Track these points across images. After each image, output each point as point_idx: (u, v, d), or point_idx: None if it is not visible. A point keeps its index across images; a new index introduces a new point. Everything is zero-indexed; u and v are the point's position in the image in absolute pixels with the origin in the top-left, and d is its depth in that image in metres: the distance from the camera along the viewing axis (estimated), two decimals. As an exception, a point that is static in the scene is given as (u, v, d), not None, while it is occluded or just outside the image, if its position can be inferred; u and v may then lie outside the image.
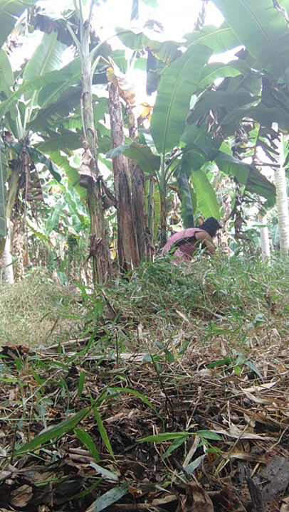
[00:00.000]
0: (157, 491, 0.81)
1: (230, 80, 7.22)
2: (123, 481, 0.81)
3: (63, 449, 0.97)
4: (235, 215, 7.77)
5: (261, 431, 1.07)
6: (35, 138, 10.67)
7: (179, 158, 8.57)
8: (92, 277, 9.70)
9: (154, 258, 7.28)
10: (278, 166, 8.44)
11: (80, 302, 4.17)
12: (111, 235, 15.84)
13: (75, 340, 2.12)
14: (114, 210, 12.30)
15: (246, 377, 1.39)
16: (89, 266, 14.71)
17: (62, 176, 11.78)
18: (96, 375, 1.56)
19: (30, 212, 11.35)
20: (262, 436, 1.04)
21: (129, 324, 2.54)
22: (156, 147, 7.91)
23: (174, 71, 6.71)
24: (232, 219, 7.88)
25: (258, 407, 1.17)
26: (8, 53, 9.04)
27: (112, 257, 11.72)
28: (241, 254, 14.28)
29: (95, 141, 7.80)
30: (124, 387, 1.40)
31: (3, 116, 8.94)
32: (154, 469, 0.93)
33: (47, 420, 1.17)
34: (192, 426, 1.08)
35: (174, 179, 9.06)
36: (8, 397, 1.36)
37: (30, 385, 1.43)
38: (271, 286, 3.02)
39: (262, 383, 1.34)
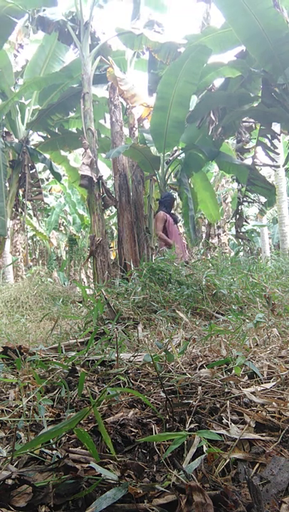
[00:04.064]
0: (157, 491, 0.81)
1: (231, 81, 7.22)
2: (123, 481, 0.81)
3: (63, 449, 0.97)
4: (237, 215, 7.77)
5: (261, 431, 1.07)
6: (36, 138, 10.67)
7: (179, 158, 8.56)
8: (92, 277, 9.70)
9: (154, 258, 7.35)
10: (278, 167, 8.44)
11: (80, 302, 4.17)
12: (114, 234, 15.82)
13: (75, 340, 2.12)
14: (114, 210, 12.30)
15: (246, 377, 1.39)
16: (89, 266, 14.72)
17: (63, 175, 11.79)
18: (96, 375, 1.56)
19: (31, 212, 11.36)
20: (262, 436, 1.04)
21: (129, 324, 2.54)
22: (156, 147, 7.92)
23: (174, 71, 6.71)
24: (234, 219, 7.89)
25: (258, 407, 1.17)
26: (16, 55, 9.07)
27: (112, 257, 11.72)
28: (241, 254, 14.29)
29: (95, 141, 7.80)
30: (124, 387, 1.40)
31: (4, 117, 8.94)
32: (154, 469, 0.93)
33: (47, 420, 1.17)
34: (192, 426, 1.08)
35: (174, 179, 9.06)
36: (8, 397, 1.36)
37: (30, 385, 1.43)
38: (271, 286, 3.02)
39: (262, 383, 1.34)
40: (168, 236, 6.28)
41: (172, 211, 6.81)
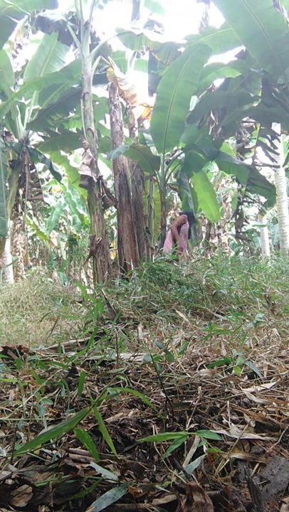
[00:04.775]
0: (157, 491, 0.81)
1: (231, 81, 7.21)
2: (123, 481, 0.81)
3: (63, 449, 0.97)
4: (237, 215, 7.77)
5: (261, 431, 1.07)
6: (36, 138, 10.67)
7: (179, 158, 8.56)
8: (92, 277, 9.70)
9: (154, 258, 7.43)
10: (278, 167, 8.43)
11: (80, 302, 4.17)
12: (114, 234, 15.82)
13: (75, 340, 2.12)
14: (114, 210, 12.30)
15: (246, 377, 1.39)
16: (89, 266, 14.71)
17: (63, 175, 11.79)
18: (96, 375, 1.56)
19: (31, 211, 11.36)
20: (262, 436, 1.04)
21: (129, 324, 2.54)
22: (156, 147, 7.92)
23: (174, 71, 6.71)
24: (234, 219, 7.89)
25: (258, 407, 1.17)
26: (15, 56, 9.07)
27: (112, 257, 11.72)
28: (241, 254, 14.30)
29: (95, 141, 7.80)
30: (124, 387, 1.40)
31: (4, 117, 8.94)
32: (154, 469, 0.93)
33: (47, 420, 1.17)
34: (192, 426, 1.08)
35: (174, 179, 9.06)
36: (8, 397, 1.36)
37: (30, 385, 1.43)
38: (271, 286, 3.03)
39: (262, 383, 1.34)
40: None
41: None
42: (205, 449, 0.95)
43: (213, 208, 9.45)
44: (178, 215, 7.85)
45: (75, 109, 9.26)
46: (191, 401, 1.20)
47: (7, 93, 8.66)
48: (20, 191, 9.52)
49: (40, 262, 17.38)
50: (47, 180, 15.69)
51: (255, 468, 0.92)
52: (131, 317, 2.68)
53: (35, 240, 17.53)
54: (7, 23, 7.33)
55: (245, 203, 7.74)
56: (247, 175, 7.17)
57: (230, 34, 6.65)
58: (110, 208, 11.16)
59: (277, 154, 7.47)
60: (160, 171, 8.17)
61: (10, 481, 0.82)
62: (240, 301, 2.87)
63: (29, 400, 1.28)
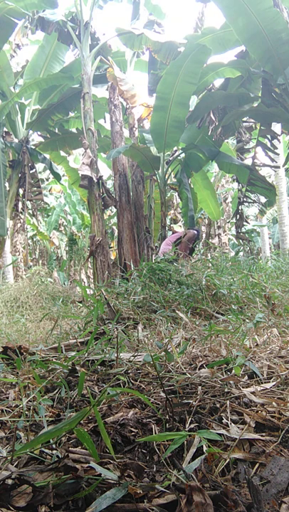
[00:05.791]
0: (157, 491, 0.81)
1: (231, 81, 7.21)
2: (123, 481, 0.81)
3: (63, 449, 0.97)
4: (237, 215, 7.76)
5: (261, 431, 1.07)
6: (36, 138, 10.67)
7: (179, 158, 8.57)
8: (92, 277, 9.70)
9: (154, 258, 7.39)
10: (278, 167, 8.43)
11: (80, 302, 4.17)
12: (114, 234, 15.82)
13: (75, 340, 2.12)
14: (114, 210, 12.30)
15: (246, 377, 1.39)
16: (89, 266, 14.72)
17: (63, 175, 11.78)
18: (96, 375, 1.56)
19: (30, 211, 11.36)
20: (262, 436, 1.04)
21: (129, 324, 2.54)
22: (156, 147, 7.92)
23: (174, 70, 6.71)
24: (235, 219, 7.89)
25: (258, 407, 1.17)
26: (13, 56, 9.07)
27: (112, 257, 11.71)
28: (241, 254, 14.30)
29: (95, 141, 7.80)
30: (124, 387, 1.40)
31: (4, 117, 8.94)
32: (154, 469, 0.93)
33: (47, 420, 1.17)
34: (192, 426, 1.08)
35: (174, 179, 9.06)
36: (8, 397, 1.36)
37: (30, 385, 1.43)
38: (271, 286, 3.02)
39: (262, 383, 1.34)
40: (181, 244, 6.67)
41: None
42: (205, 449, 0.95)
43: (214, 207, 9.45)
44: (180, 215, 7.68)
45: (75, 109, 9.26)
46: (191, 401, 1.20)
47: (7, 93, 8.66)
48: (21, 191, 9.52)
49: (40, 262, 17.39)
50: (47, 180, 15.69)
51: (255, 468, 0.92)
52: (131, 317, 2.68)
53: (35, 239, 17.53)
54: (8, 24, 7.35)
55: (246, 203, 7.73)
56: (247, 175, 7.17)
57: (230, 34, 6.65)
58: (110, 208, 11.16)
59: (277, 154, 7.47)
60: (160, 171, 8.17)
61: (10, 481, 0.82)
62: (240, 301, 2.87)
63: (29, 400, 1.28)
